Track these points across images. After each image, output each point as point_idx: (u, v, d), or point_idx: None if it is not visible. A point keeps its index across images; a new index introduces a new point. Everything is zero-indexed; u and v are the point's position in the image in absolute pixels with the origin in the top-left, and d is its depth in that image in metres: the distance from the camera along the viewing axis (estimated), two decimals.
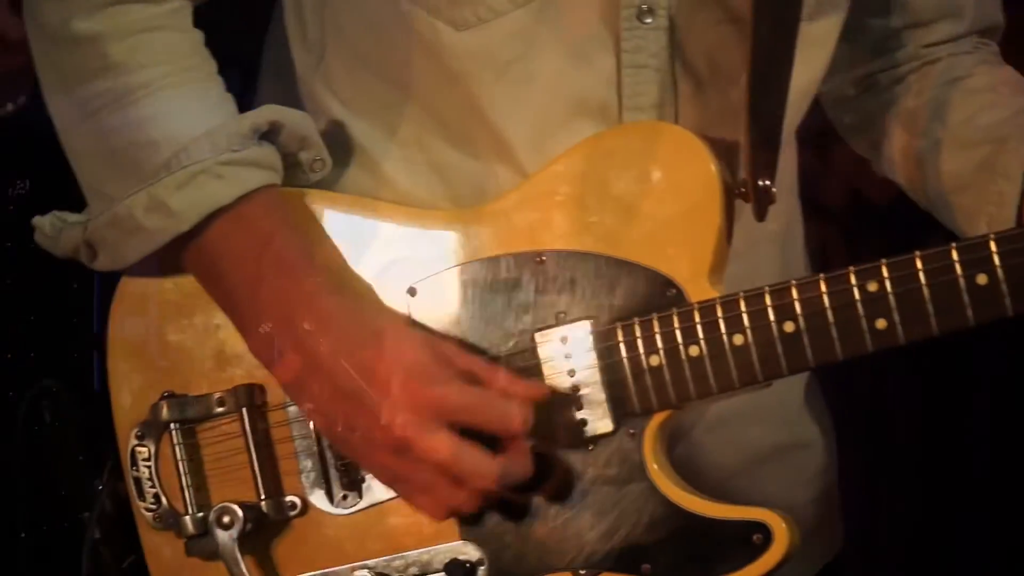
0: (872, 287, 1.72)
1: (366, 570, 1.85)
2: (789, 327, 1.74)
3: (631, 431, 1.79)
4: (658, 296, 1.79)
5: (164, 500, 1.91)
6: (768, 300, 1.75)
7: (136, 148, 1.80)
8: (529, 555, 1.82)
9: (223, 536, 1.85)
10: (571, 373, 1.80)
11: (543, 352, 1.81)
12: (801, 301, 1.73)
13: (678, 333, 1.77)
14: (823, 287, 1.73)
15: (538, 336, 1.81)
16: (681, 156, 1.81)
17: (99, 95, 1.81)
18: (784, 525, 1.75)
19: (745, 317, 1.75)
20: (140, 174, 1.79)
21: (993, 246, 1.69)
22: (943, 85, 2.09)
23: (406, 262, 1.86)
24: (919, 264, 1.70)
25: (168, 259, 1.84)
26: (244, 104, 1.86)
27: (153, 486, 1.91)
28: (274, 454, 1.89)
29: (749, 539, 1.75)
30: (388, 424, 1.73)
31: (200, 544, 1.88)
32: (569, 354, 1.80)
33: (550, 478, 1.81)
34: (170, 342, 1.92)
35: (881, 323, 1.71)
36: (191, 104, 1.82)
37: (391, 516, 1.86)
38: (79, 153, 1.85)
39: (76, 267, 1.88)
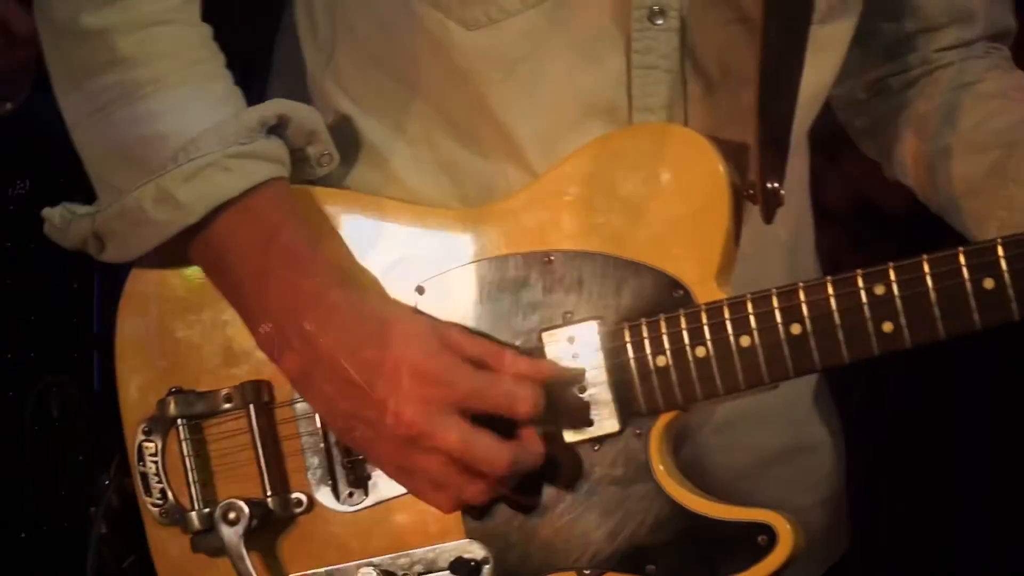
0: (879, 290, 1.72)
1: (371, 567, 1.85)
2: (796, 329, 1.74)
3: (637, 431, 1.80)
4: (665, 297, 1.79)
5: (170, 495, 1.91)
6: (775, 302, 1.75)
7: (145, 141, 1.80)
8: (534, 554, 1.82)
9: (229, 532, 1.85)
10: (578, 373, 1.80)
11: (550, 352, 1.81)
12: (808, 303, 1.73)
13: (685, 334, 1.77)
14: (830, 290, 1.73)
15: (545, 336, 1.82)
16: (690, 158, 1.81)
17: (108, 89, 1.81)
18: (789, 527, 1.75)
19: (752, 319, 1.75)
20: (148, 166, 1.80)
21: (1000, 251, 1.69)
22: (954, 90, 2.09)
23: (414, 260, 1.86)
24: (926, 268, 1.70)
25: (176, 251, 1.84)
26: (250, 101, 1.87)
27: (160, 481, 1.91)
28: (280, 451, 1.89)
29: (754, 540, 1.75)
30: (398, 414, 1.73)
31: (206, 540, 1.88)
32: (576, 354, 1.80)
33: (556, 477, 1.81)
34: (178, 338, 1.92)
35: (888, 326, 1.71)
36: (200, 98, 1.82)
37: (397, 514, 1.86)
38: (88, 146, 1.85)
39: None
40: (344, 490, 1.87)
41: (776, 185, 1.79)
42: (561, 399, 1.80)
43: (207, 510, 1.88)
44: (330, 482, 1.87)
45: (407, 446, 1.75)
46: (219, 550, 1.86)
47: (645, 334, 1.78)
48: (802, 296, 1.74)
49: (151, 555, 1.94)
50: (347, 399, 1.76)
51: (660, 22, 1.83)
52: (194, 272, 1.89)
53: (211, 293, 1.87)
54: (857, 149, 2.27)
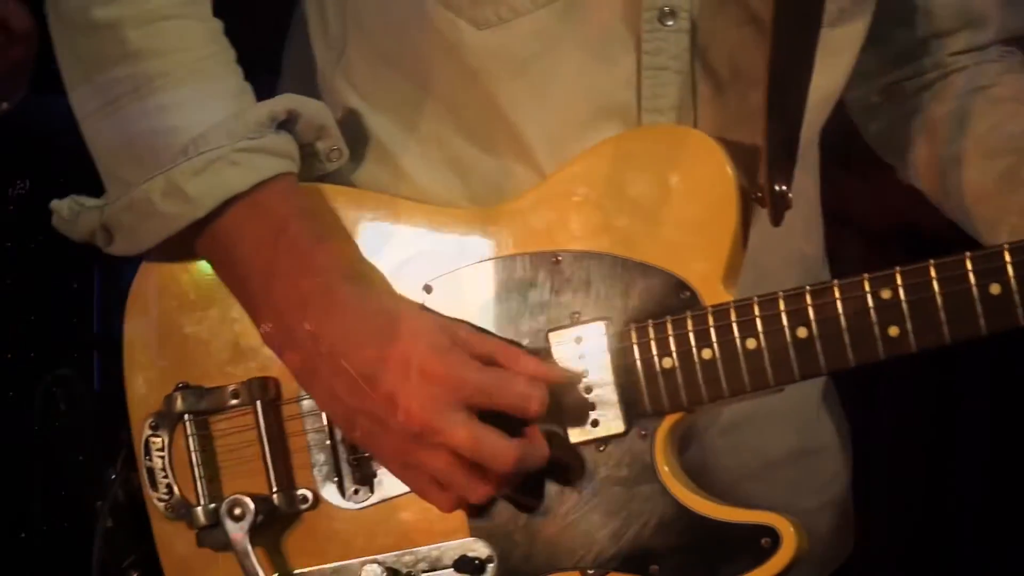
0: (885, 294, 1.71)
1: (376, 564, 1.86)
2: (802, 332, 1.74)
3: (643, 432, 1.80)
4: (672, 299, 1.79)
5: (176, 490, 1.91)
6: (782, 305, 1.74)
7: (154, 135, 1.81)
8: (538, 553, 1.82)
9: (234, 528, 1.85)
10: (584, 374, 1.80)
11: (557, 352, 1.81)
12: (815, 307, 1.73)
13: (691, 336, 1.77)
14: (837, 293, 1.73)
15: (552, 336, 1.82)
16: (698, 159, 1.81)
17: (118, 82, 1.82)
18: (792, 529, 1.75)
19: (759, 322, 1.75)
20: (158, 160, 1.80)
21: (1007, 256, 1.68)
22: (967, 94, 2.08)
23: (422, 259, 1.86)
24: (933, 272, 1.70)
25: (184, 246, 1.85)
26: (260, 97, 1.87)
27: (166, 476, 1.92)
28: (287, 447, 1.89)
29: (757, 542, 1.75)
30: (406, 409, 1.72)
31: (211, 535, 1.88)
32: (583, 354, 1.80)
33: (560, 477, 1.81)
34: (186, 334, 1.92)
35: (894, 330, 1.71)
36: (210, 92, 1.83)
37: (402, 511, 1.86)
38: (98, 139, 1.86)
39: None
40: (350, 487, 1.88)
41: (784, 188, 1.79)
42: (567, 399, 1.80)
43: (213, 505, 1.88)
44: (336, 479, 1.88)
45: (413, 442, 1.74)
46: (224, 545, 1.87)
47: (652, 335, 1.78)
48: (809, 299, 1.74)
49: (156, 550, 1.94)
50: (352, 395, 1.75)
51: (670, 23, 1.83)
52: (202, 268, 1.90)
53: (219, 289, 1.88)
54: (872, 154, 2.27)
